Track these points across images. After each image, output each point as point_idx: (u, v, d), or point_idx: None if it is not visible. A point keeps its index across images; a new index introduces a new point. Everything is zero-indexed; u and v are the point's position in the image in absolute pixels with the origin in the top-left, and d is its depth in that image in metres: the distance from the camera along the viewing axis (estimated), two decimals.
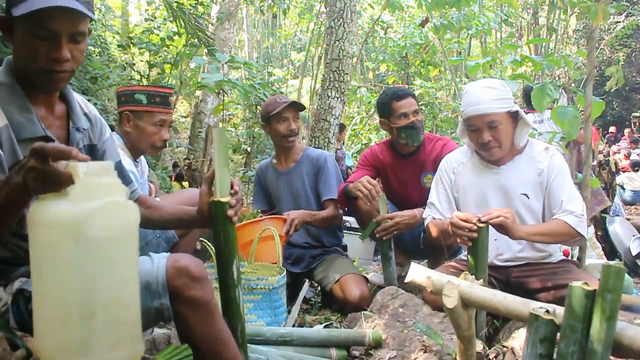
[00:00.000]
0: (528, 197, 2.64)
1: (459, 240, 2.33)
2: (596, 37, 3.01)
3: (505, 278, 2.66)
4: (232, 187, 1.82)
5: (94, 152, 1.85)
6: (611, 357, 1.90)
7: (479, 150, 2.68)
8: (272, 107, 3.32)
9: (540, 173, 2.64)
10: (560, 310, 1.54)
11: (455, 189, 2.78)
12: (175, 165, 8.52)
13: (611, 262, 1.48)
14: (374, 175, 3.49)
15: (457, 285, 1.77)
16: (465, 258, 2.71)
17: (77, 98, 1.81)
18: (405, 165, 3.36)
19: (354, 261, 3.78)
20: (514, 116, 2.62)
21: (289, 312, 2.80)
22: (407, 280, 1.94)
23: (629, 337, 1.44)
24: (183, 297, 1.59)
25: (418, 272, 1.93)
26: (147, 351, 1.87)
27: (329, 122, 5.32)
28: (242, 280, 2.55)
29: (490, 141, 2.57)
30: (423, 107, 10.82)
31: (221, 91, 5.99)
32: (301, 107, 3.44)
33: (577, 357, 1.47)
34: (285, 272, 2.72)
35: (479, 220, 2.27)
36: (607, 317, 1.42)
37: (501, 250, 2.65)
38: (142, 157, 2.91)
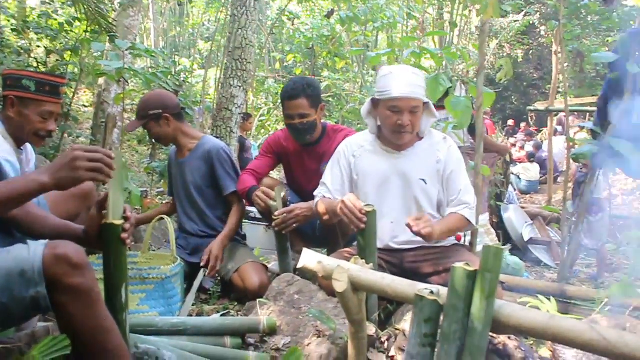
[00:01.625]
0: (426, 183, 2.71)
1: (351, 226, 2.35)
2: (487, 31, 3.12)
3: (399, 262, 2.71)
4: (124, 212, 1.78)
5: None
6: (490, 334, 1.99)
7: (392, 132, 2.68)
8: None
9: (438, 162, 2.72)
10: (444, 291, 1.58)
11: (355, 172, 2.80)
12: None
13: (491, 244, 1.54)
14: (275, 162, 3.48)
15: (347, 269, 1.79)
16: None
17: None
18: (306, 154, 3.36)
19: (255, 251, 3.75)
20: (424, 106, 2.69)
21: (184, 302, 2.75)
22: (299, 265, 1.95)
23: (505, 314, 1.49)
24: (63, 285, 1.52)
25: (310, 258, 1.93)
26: (26, 345, 1.78)
27: (231, 111, 5.26)
28: (133, 270, 2.51)
29: (408, 125, 2.61)
30: (330, 99, 10.92)
31: (122, 79, 5.79)
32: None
33: (459, 335, 1.51)
34: (179, 261, 2.66)
35: (408, 225, 2.33)
36: (486, 296, 1.48)
37: (397, 232, 2.70)
38: (27, 144, 2.75)
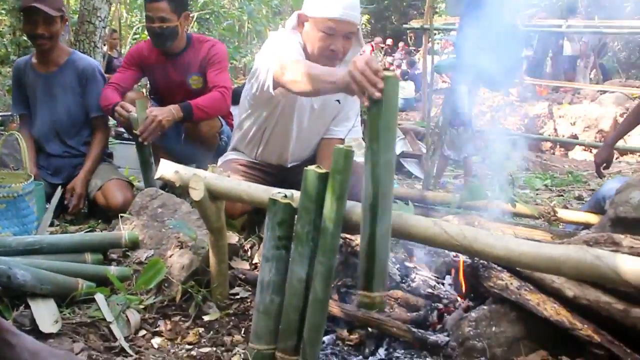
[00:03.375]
0: (339, 102, 2.70)
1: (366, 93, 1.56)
2: None
3: (287, 175, 2.77)
4: None
5: None
6: (349, 237, 2.07)
7: (321, 57, 2.40)
8: (21, 2, 2.98)
9: None
10: (297, 194, 1.61)
11: None
12: None
13: (341, 146, 1.57)
14: (139, 74, 3.35)
15: (203, 177, 1.78)
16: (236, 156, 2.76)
17: None
18: (171, 65, 3.26)
19: (124, 171, 3.62)
20: None
21: None
22: (156, 176, 1.92)
23: (357, 213, 1.55)
24: None
25: (167, 168, 1.90)
26: None
27: (95, 25, 4.92)
28: None
29: (340, 51, 2.40)
30: (208, 16, 10.56)
31: None
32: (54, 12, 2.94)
33: (312, 236, 1.56)
34: (32, 179, 2.52)
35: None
36: (337, 197, 1.52)
37: (295, 150, 2.76)
38: None
